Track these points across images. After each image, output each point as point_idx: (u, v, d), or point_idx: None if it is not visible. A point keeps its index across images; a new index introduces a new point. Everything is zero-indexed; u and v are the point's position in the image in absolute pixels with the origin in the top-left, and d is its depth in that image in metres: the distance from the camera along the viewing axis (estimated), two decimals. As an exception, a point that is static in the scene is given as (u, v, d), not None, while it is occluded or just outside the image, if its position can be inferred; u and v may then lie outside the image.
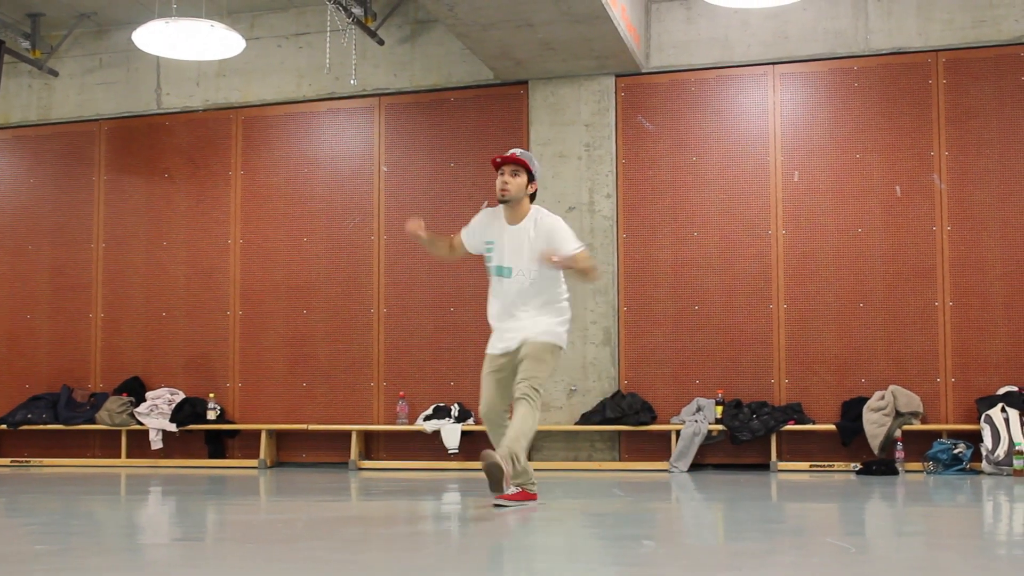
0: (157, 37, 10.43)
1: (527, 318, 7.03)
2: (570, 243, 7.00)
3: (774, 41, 11.09)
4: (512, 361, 7.02)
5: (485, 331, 11.26)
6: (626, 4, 10.47)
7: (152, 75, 12.60)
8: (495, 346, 7.14)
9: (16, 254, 12.83)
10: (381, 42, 11.50)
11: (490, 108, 11.68)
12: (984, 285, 10.53)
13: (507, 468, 6.64)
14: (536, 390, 6.86)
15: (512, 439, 6.79)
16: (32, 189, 12.90)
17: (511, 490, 6.89)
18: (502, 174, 7.09)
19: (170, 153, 12.55)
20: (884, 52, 10.87)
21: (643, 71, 11.32)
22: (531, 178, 7.12)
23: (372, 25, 11.30)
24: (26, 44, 12.24)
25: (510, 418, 7.02)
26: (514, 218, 7.13)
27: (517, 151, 7.15)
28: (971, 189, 10.61)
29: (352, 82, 11.63)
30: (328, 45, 11.46)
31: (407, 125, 11.89)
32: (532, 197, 7.18)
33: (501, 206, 7.16)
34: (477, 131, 11.62)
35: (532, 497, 7.13)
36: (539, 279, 7.04)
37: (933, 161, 10.69)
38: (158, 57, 12.22)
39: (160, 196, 12.52)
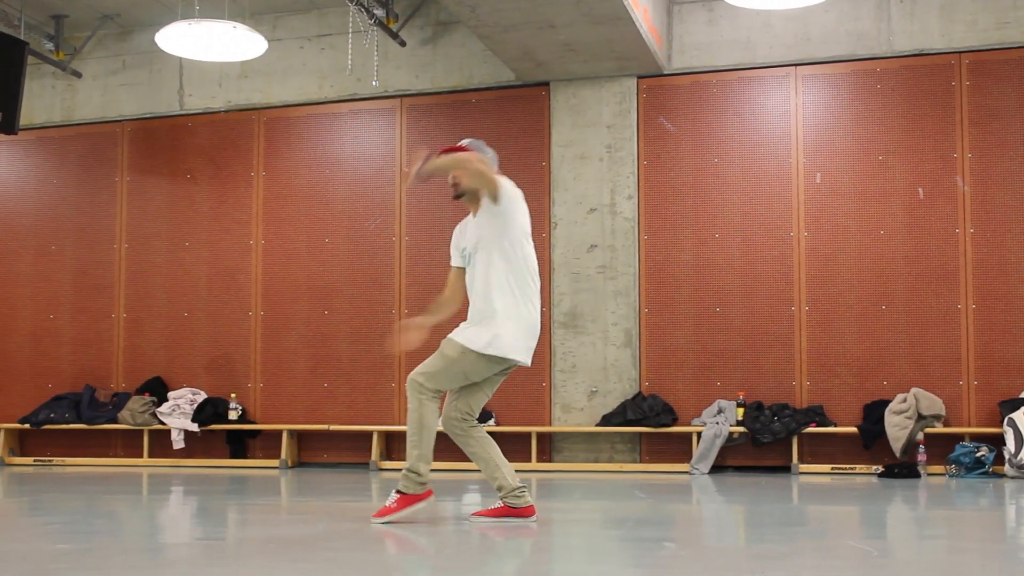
0: (180, 38, 10.48)
1: (473, 310, 6.52)
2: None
3: (796, 43, 11.07)
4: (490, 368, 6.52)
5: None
6: (648, 5, 10.46)
7: (175, 76, 12.64)
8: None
9: (39, 254, 12.89)
10: (403, 43, 11.52)
11: (511, 110, 11.68)
12: (1007, 287, 10.48)
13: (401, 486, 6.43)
14: (420, 385, 6.38)
15: (407, 454, 6.51)
16: (55, 190, 12.96)
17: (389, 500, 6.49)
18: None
19: (192, 154, 12.60)
20: (907, 54, 10.83)
21: (665, 72, 11.31)
22: None
23: (394, 26, 11.32)
24: (50, 45, 12.30)
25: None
26: (476, 206, 6.57)
27: (464, 141, 6.58)
28: (994, 191, 10.56)
29: (374, 83, 11.65)
30: (350, 46, 11.48)
31: (428, 126, 11.90)
32: None
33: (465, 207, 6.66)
34: (499, 133, 11.61)
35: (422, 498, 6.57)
36: (487, 255, 6.43)
37: (956, 163, 10.65)
38: (181, 58, 12.27)
39: (182, 197, 12.57)
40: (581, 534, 6.52)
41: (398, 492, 6.47)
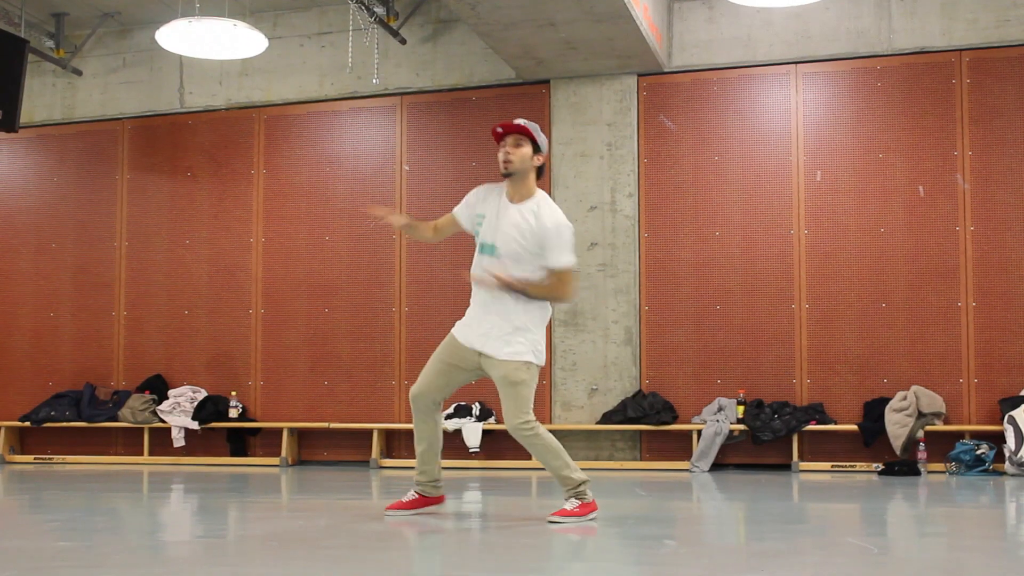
0: (180, 36, 10.48)
1: (499, 325, 6.38)
2: (560, 255, 6.32)
3: (796, 40, 11.06)
4: (473, 362, 6.50)
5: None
6: (648, 3, 10.46)
7: (175, 74, 12.64)
8: (461, 331, 6.54)
9: (40, 252, 12.90)
10: (403, 41, 11.51)
11: (512, 107, 11.67)
12: (1007, 285, 10.48)
13: (566, 493, 6.47)
14: (526, 424, 6.36)
15: (556, 477, 6.49)
16: (56, 188, 12.96)
17: (569, 505, 6.47)
18: (503, 145, 6.42)
19: (193, 152, 12.60)
20: (907, 52, 10.83)
21: (665, 70, 11.31)
22: (536, 149, 6.42)
23: (394, 24, 11.32)
24: (50, 43, 12.30)
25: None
26: (517, 195, 6.45)
27: (521, 120, 6.49)
28: (994, 189, 10.56)
29: (374, 81, 11.65)
30: (350, 44, 11.47)
31: (429, 124, 11.90)
32: (539, 172, 6.49)
33: (504, 181, 6.50)
34: (499, 130, 11.61)
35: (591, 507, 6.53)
36: (518, 267, 6.35)
37: (956, 161, 10.65)
38: (181, 56, 12.27)
39: (183, 195, 12.57)
40: (581, 532, 6.52)
41: (579, 500, 6.46)
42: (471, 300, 6.56)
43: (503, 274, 6.29)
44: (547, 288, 6.36)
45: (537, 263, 6.34)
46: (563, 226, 6.37)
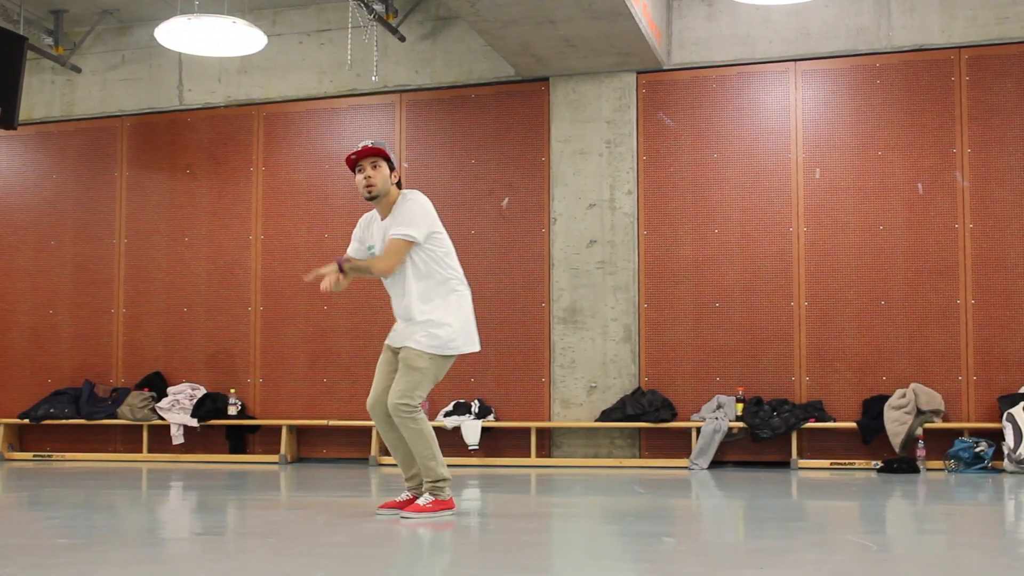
0: (179, 33, 10.47)
1: (408, 318, 6.58)
2: (400, 224, 6.52)
3: (796, 38, 11.06)
4: (397, 359, 6.63)
5: (505, 328, 11.29)
6: (647, 1, 10.45)
7: (174, 71, 12.64)
8: (389, 338, 6.74)
9: (39, 249, 12.89)
10: (402, 39, 11.51)
11: (511, 105, 11.68)
12: (1006, 283, 10.48)
13: (425, 486, 6.54)
14: (407, 406, 6.41)
15: (420, 466, 6.54)
16: (55, 185, 12.95)
17: (422, 500, 6.53)
18: (361, 171, 6.62)
19: (192, 149, 12.59)
20: (906, 49, 10.83)
21: (664, 68, 11.30)
22: (392, 166, 6.66)
23: (393, 22, 11.31)
24: (49, 40, 12.29)
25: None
26: (385, 211, 6.67)
27: (369, 142, 6.65)
28: (993, 186, 10.57)
29: (373, 79, 11.64)
30: (350, 42, 11.47)
31: (428, 122, 11.89)
32: (399, 185, 6.70)
33: (373, 207, 6.76)
34: (498, 128, 11.62)
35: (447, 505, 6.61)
36: (407, 267, 6.56)
37: (955, 158, 10.65)
38: (180, 53, 12.26)
39: (182, 192, 12.57)
40: (580, 529, 6.53)
41: (433, 496, 6.52)
42: None
43: (325, 268, 6.55)
44: (365, 261, 6.63)
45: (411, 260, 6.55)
46: (415, 202, 6.56)
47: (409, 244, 6.51)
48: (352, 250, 6.88)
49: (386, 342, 6.73)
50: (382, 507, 6.71)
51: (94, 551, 5.31)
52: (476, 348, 6.73)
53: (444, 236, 6.67)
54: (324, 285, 6.55)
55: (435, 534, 5.99)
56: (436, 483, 6.51)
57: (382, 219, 6.69)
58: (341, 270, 6.53)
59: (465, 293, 6.69)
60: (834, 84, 10.99)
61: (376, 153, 6.60)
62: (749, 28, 11.15)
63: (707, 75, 11.27)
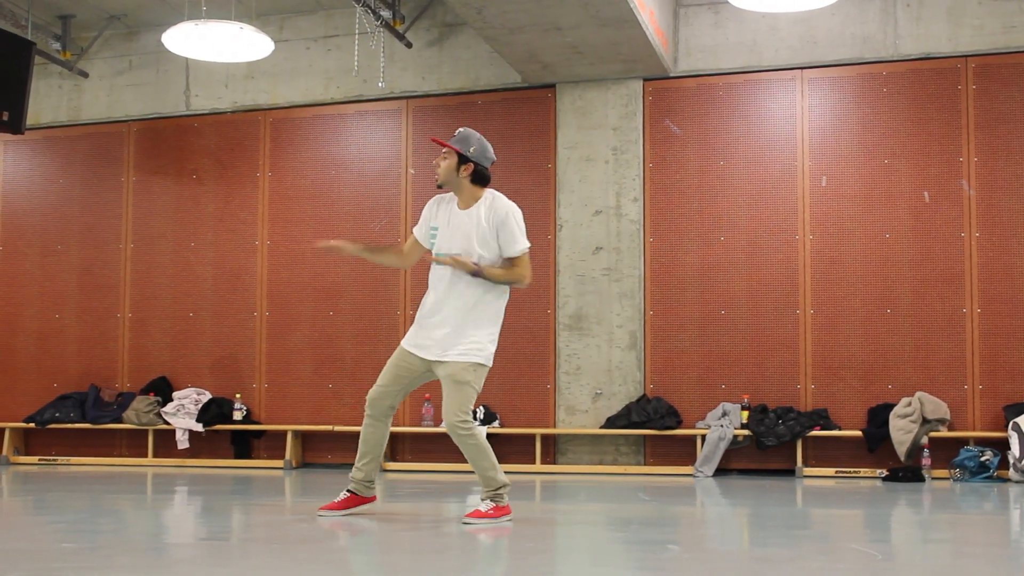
0: (186, 39, 10.49)
1: (452, 325, 6.56)
2: (515, 242, 6.59)
3: (802, 46, 11.06)
4: (423, 368, 6.64)
5: (510, 335, 11.25)
6: (654, 8, 10.46)
7: (181, 77, 12.66)
8: (411, 341, 6.69)
9: (45, 254, 12.91)
10: (409, 45, 11.53)
11: (517, 111, 11.69)
12: (1012, 291, 10.47)
13: (484, 494, 6.61)
14: (465, 423, 6.48)
15: (480, 477, 6.61)
16: (61, 189, 12.98)
17: (484, 507, 6.59)
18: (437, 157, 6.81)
19: (198, 154, 12.61)
20: (913, 57, 10.83)
21: (671, 75, 11.31)
22: (463, 160, 6.64)
23: (400, 28, 11.33)
24: (57, 45, 12.31)
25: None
26: (464, 203, 6.69)
27: (460, 131, 6.77)
28: (1000, 195, 10.56)
29: (380, 84, 11.65)
30: (356, 48, 11.48)
31: (434, 128, 11.90)
32: (480, 179, 6.70)
33: (450, 192, 6.80)
34: (504, 134, 11.62)
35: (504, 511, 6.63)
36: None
37: (962, 167, 10.64)
38: (187, 59, 12.29)
39: (188, 197, 12.58)
40: (585, 536, 6.53)
41: (494, 502, 6.58)
42: (423, 303, 6.77)
43: (462, 257, 6.53)
44: (505, 272, 6.61)
45: (492, 260, 6.61)
46: (512, 213, 6.62)
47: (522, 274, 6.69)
48: (416, 229, 6.93)
49: (407, 346, 6.69)
50: (323, 509, 6.82)
51: (99, 556, 5.32)
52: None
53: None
54: (337, 249, 6.73)
55: (441, 541, 5.99)
56: (498, 490, 6.59)
57: (459, 207, 6.72)
58: (478, 273, 6.54)
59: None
60: (840, 92, 10.99)
61: (443, 146, 6.72)
62: (756, 36, 11.16)
63: (713, 82, 11.28)
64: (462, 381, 6.50)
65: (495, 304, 6.67)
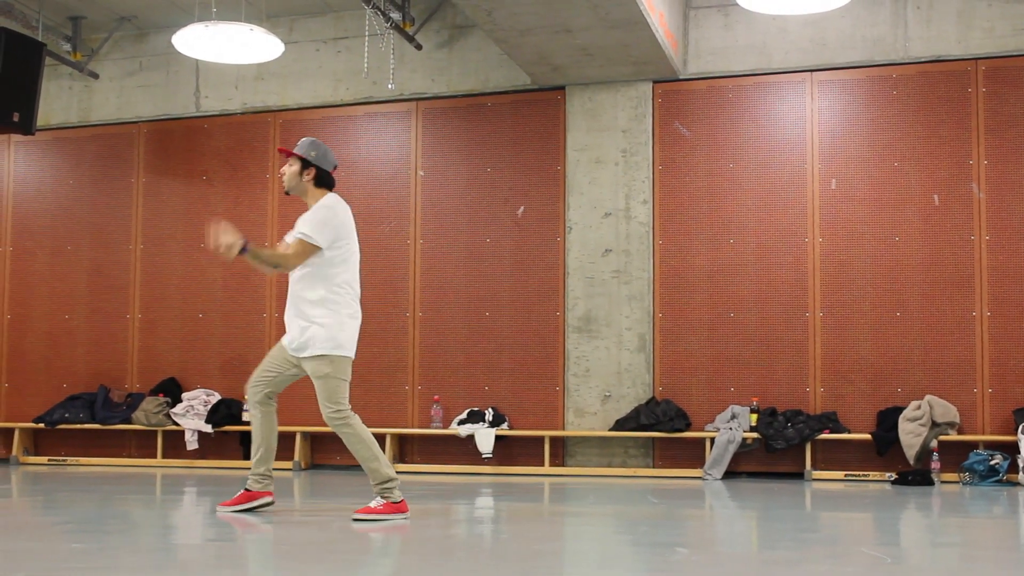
0: (196, 40, 10.51)
1: (298, 318, 6.80)
2: (303, 224, 6.84)
3: (812, 48, 11.05)
4: (287, 359, 6.88)
5: (519, 337, 11.27)
6: (664, 10, 10.46)
7: (191, 78, 12.68)
8: (285, 335, 6.96)
9: (55, 254, 12.94)
10: (419, 47, 11.53)
11: (527, 113, 11.69)
12: (1022, 295, 10.44)
13: (374, 489, 6.68)
14: (338, 413, 6.69)
15: (365, 469, 6.70)
16: (71, 190, 13.00)
17: (374, 503, 6.70)
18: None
19: (208, 156, 12.63)
20: (923, 60, 10.82)
21: (681, 77, 11.30)
22: (305, 165, 6.95)
23: (410, 30, 11.33)
24: (67, 47, 12.34)
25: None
26: (310, 206, 7.04)
27: (303, 139, 7.06)
28: (1010, 198, 10.54)
29: (390, 86, 11.66)
30: (366, 49, 11.49)
31: (444, 130, 11.91)
32: (322, 182, 7.01)
33: None
34: (514, 136, 11.63)
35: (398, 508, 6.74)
36: (303, 269, 6.84)
37: (972, 170, 10.62)
38: (197, 60, 12.31)
39: (198, 198, 12.60)
40: (594, 539, 6.52)
41: (383, 498, 6.69)
42: None
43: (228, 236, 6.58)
44: (272, 253, 7.02)
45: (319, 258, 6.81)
46: (326, 207, 6.89)
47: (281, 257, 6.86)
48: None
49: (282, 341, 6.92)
50: (221, 505, 6.98)
51: (107, 556, 5.32)
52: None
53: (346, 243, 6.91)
54: (218, 251, 6.66)
55: (449, 544, 5.99)
56: (384, 484, 6.66)
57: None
58: (244, 249, 6.60)
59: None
60: (850, 94, 10.98)
61: (287, 153, 7.03)
62: (765, 38, 11.15)
63: (723, 85, 11.27)
64: (320, 375, 6.71)
65: (314, 289, 6.77)
